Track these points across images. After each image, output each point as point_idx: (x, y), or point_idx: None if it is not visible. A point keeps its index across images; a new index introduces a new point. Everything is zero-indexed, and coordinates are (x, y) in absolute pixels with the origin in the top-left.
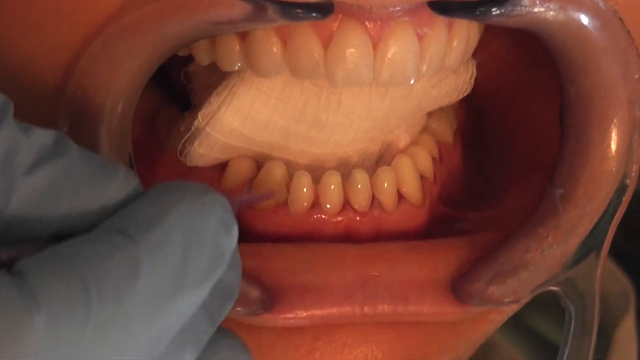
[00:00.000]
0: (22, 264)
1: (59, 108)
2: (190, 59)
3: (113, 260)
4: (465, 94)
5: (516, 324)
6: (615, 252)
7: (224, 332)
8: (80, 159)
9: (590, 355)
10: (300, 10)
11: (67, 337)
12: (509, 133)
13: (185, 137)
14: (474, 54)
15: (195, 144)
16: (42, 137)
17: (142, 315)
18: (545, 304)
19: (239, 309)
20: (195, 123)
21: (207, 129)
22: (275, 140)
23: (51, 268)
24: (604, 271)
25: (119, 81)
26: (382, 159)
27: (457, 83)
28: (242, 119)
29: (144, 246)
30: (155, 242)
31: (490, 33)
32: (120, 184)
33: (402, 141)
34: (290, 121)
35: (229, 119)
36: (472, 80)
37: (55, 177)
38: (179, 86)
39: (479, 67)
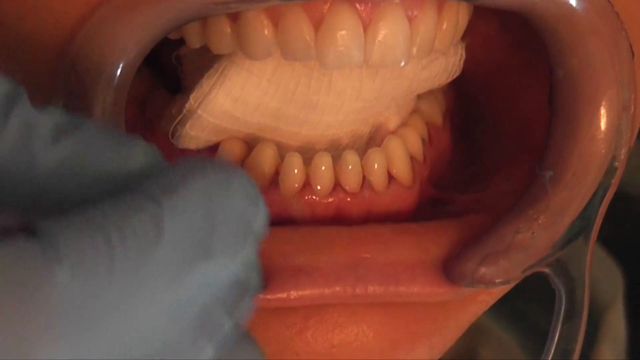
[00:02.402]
0: (44, 223)
1: (53, 89)
2: (180, 42)
3: (136, 218)
4: (454, 77)
5: (505, 308)
6: (604, 239)
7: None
8: (98, 130)
9: (580, 337)
10: None
11: (90, 290)
12: (497, 116)
13: (177, 120)
14: (463, 37)
15: (187, 126)
16: (58, 113)
17: (166, 275)
18: (534, 287)
19: None
20: (187, 105)
21: (199, 111)
22: (266, 122)
23: (73, 224)
24: (594, 257)
25: (112, 62)
26: (372, 140)
27: (446, 65)
28: (233, 101)
29: (167, 207)
30: (179, 205)
31: (478, 16)
32: (141, 154)
33: (392, 123)
34: (281, 103)
35: (220, 101)
36: (462, 62)
37: (77, 148)
38: (170, 69)
39: (467, 50)
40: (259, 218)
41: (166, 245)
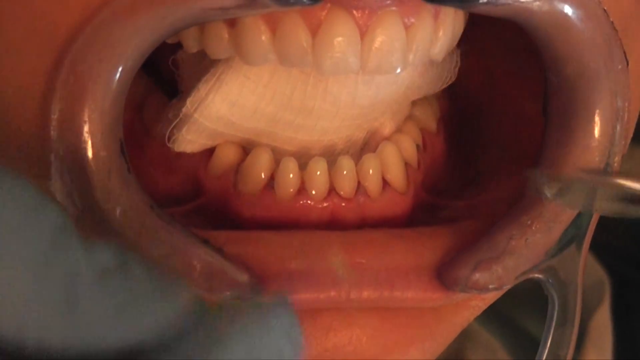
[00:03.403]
0: None
1: (51, 93)
2: (177, 46)
3: None
4: (449, 83)
5: (492, 312)
6: (591, 243)
7: None
8: (141, 271)
9: (572, 345)
10: None
11: None
12: (490, 123)
13: (173, 124)
14: (458, 44)
15: (183, 130)
16: (102, 251)
17: None
18: (523, 294)
19: (227, 293)
20: (184, 109)
21: (195, 115)
22: (262, 127)
23: None
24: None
25: (111, 66)
26: (367, 146)
27: (441, 72)
28: (229, 105)
29: None
30: None
31: (473, 24)
32: (184, 299)
33: (387, 128)
34: (277, 108)
35: (216, 106)
36: (456, 69)
37: (120, 289)
38: (167, 73)
39: (461, 57)
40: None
41: None
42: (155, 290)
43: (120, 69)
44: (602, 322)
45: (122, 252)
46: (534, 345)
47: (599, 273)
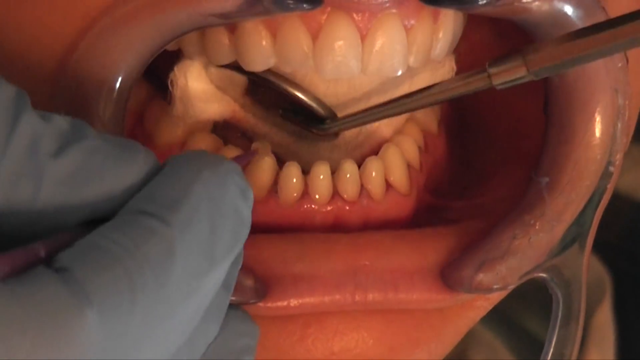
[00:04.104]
0: (63, 259)
1: (53, 100)
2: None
3: (149, 246)
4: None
5: (495, 312)
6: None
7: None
8: (100, 140)
9: (577, 343)
10: (291, 1)
11: (117, 327)
12: (491, 123)
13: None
14: (457, 45)
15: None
16: (62, 122)
17: (181, 294)
18: (525, 294)
19: (233, 298)
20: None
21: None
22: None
23: (94, 261)
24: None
25: (112, 74)
26: (366, 147)
27: (433, 79)
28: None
29: (175, 226)
30: (186, 221)
31: (472, 24)
32: (141, 162)
33: (384, 130)
34: None
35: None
36: (453, 73)
37: (81, 159)
38: (167, 80)
39: (461, 58)
40: (248, 206)
41: (178, 264)
42: (114, 151)
43: (121, 77)
44: (604, 320)
45: (78, 122)
46: (536, 345)
47: (599, 271)
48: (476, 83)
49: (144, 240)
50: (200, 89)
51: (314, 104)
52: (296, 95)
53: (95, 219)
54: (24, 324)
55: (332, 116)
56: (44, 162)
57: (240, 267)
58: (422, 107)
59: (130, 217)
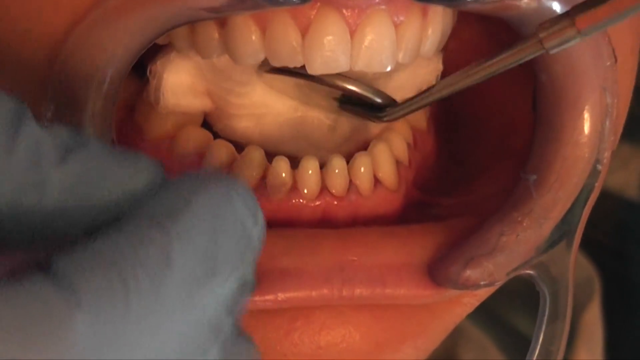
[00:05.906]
0: (58, 262)
1: (43, 93)
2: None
3: (145, 250)
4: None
5: (483, 310)
6: (581, 239)
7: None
8: (103, 148)
9: (564, 341)
10: None
11: (109, 331)
12: (480, 120)
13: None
14: (447, 43)
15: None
16: (62, 131)
17: (178, 301)
18: (513, 292)
19: None
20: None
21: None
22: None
23: (88, 264)
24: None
25: (102, 68)
26: (354, 143)
27: (414, 79)
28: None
29: (174, 234)
30: (186, 229)
31: (461, 22)
32: (144, 171)
33: (373, 126)
34: None
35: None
36: (438, 76)
37: (84, 167)
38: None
39: (450, 55)
40: (258, 227)
41: (176, 272)
42: (116, 160)
43: (111, 71)
44: (593, 319)
45: (80, 132)
46: (525, 343)
47: (589, 270)
48: (528, 49)
49: (141, 246)
50: (176, 82)
51: (369, 94)
52: (348, 88)
53: (98, 225)
54: (10, 324)
55: (391, 103)
56: (47, 171)
57: (248, 297)
58: (478, 82)
59: (130, 223)
